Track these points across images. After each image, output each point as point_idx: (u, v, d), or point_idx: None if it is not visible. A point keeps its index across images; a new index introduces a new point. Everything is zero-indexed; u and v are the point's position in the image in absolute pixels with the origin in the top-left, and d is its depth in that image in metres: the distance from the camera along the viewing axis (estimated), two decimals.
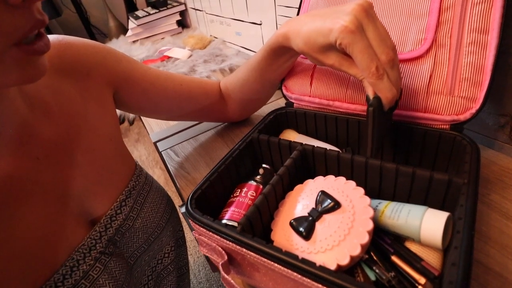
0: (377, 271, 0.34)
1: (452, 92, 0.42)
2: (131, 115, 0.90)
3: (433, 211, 0.35)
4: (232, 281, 0.36)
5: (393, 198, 0.41)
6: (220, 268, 0.38)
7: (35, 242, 0.37)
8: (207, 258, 0.97)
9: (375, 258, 0.35)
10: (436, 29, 0.43)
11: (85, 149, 0.45)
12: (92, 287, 0.42)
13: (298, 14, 0.57)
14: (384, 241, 0.37)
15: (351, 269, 0.35)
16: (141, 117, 0.87)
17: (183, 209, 0.79)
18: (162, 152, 0.69)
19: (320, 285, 0.30)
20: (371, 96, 0.38)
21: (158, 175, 1.80)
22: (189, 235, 1.49)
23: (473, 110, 0.41)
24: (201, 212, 0.39)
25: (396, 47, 0.46)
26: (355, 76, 0.40)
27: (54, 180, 0.40)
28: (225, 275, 0.37)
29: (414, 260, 0.34)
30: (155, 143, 0.73)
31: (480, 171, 0.47)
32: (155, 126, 0.80)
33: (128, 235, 0.50)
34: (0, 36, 0.26)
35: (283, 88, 0.57)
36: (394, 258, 0.35)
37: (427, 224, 0.34)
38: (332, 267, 0.32)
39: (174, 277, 0.61)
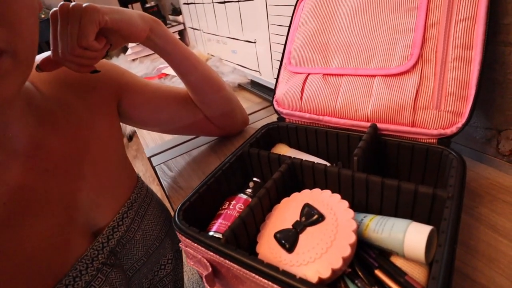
0: (359, 285, 0.33)
1: (439, 107, 0.43)
2: (130, 131, 0.91)
3: (417, 225, 0.35)
4: None
5: (380, 211, 0.41)
6: (204, 280, 0.37)
7: (42, 252, 0.38)
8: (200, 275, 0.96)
9: (358, 272, 0.34)
10: (422, 45, 0.44)
11: (91, 161, 0.46)
12: None
13: (288, 31, 0.58)
14: (369, 255, 0.37)
15: (334, 283, 0.35)
16: (137, 133, 0.88)
17: None
18: (156, 167, 0.70)
19: None
20: None
21: (155, 191, 1.78)
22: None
23: (459, 124, 0.41)
24: (188, 224, 0.39)
25: (384, 62, 0.47)
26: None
27: (61, 191, 0.41)
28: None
29: (397, 275, 0.34)
30: (149, 158, 0.73)
31: (469, 185, 0.47)
32: (150, 142, 0.81)
33: (129, 246, 0.50)
34: None
35: (274, 103, 0.58)
36: (377, 272, 0.35)
37: (410, 237, 0.34)
38: (314, 280, 0.32)
39: None
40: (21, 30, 0.31)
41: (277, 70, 0.60)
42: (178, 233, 0.40)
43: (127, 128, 0.93)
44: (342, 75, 0.50)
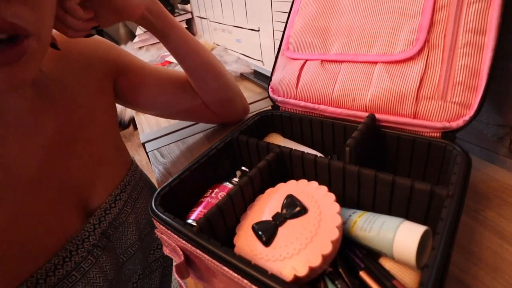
0: (339, 286, 0.30)
1: (444, 97, 0.39)
2: (129, 116, 0.89)
3: (410, 224, 0.31)
4: (184, 286, 0.33)
5: (373, 209, 0.38)
6: (174, 269, 0.35)
7: (33, 229, 0.38)
8: None
9: (340, 271, 0.31)
10: (429, 29, 0.40)
11: (86, 139, 0.45)
12: (82, 280, 0.42)
13: (288, 15, 0.55)
14: (355, 255, 0.34)
15: (314, 283, 0.31)
16: (135, 119, 0.86)
17: None
18: (148, 153, 0.67)
19: None
20: None
21: (154, 180, 1.78)
22: None
23: (467, 117, 0.37)
24: (166, 210, 0.37)
25: (386, 48, 0.43)
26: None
27: (56, 169, 0.41)
28: (178, 278, 0.34)
29: (384, 278, 0.30)
30: (143, 144, 0.71)
31: (477, 186, 0.43)
32: (146, 127, 0.79)
33: (121, 229, 0.49)
34: None
35: (269, 90, 0.55)
36: (362, 274, 0.31)
37: (400, 237, 0.30)
38: (289, 277, 0.29)
39: (158, 277, 0.60)
40: (44, 12, 0.31)
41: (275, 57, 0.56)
42: (153, 219, 0.38)
43: (127, 113, 0.91)
44: (342, 61, 0.46)
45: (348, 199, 0.39)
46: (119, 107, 0.90)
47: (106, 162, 0.48)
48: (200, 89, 0.60)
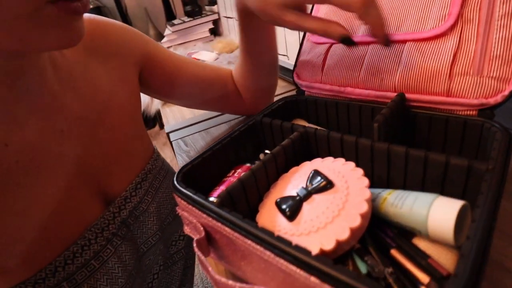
0: (369, 262, 0.28)
1: (481, 72, 0.36)
2: (155, 110, 0.91)
3: (445, 199, 0.29)
4: (206, 262, 0.32)
5: (404, 189, 0.36)
6: (195, 244, 0.34)
7: (52, 215, 0.37)
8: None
9: (369, 248, 0.29)
10: (463, 3, 0.38)
11: (108, 126, 0.45)
12: (101, 269, 0.41)
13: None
14: (386, 235, 0.32)
15: (342, 261, 0.30)
16: (161, 111, 0.88)
17: None
18: (172, 142, 0.68)
19: (294, 267, 0.25)
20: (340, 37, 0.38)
21: None
22: None
23: (506, 92, 0.35)
24: (186, 187, 0.36)
25: (416, 25, 0.41)
26: (318, 31, 0.38)
27: (76, 155, 0.40)
28: (200, 255, 0.33)
29: (418, 256, 0.28)
30: (168, 133, 0.72)
31: None
32: (172, 119, 0.80)
33: (142, 219, 0.49)
34: None
35: (294, 75, 0.54)
36: (393, 252, 0.29)
37: (436, 212, 0.28)
38: (314, 252, 0.28)
39: (180, 268, 0.59)
40: None
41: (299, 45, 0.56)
42: (175, 195, 0.37)
43: (153, 107, 0.93)
44: (369, 42, 0.45)
45: (377, 179, 0.37)
46: (145, 101, 0.92)
47: (127, 150, 0.48)
48: (253, 76, 0.60)
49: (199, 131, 0.70)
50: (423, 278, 0.27)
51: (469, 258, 0.22)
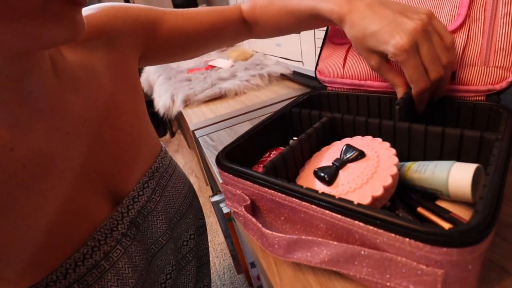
0: (400, 215, 0.33)
1: (487, 63, 0.42)
2: (178, 110, 0.96)
3: (462, 163, 0.34)
4: (254, 220, 0.37)
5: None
6: (243, 209, 0.39)
7: (61, 217, 0.37)
8: (233, 257, 0.97)
9: (398, 202, 0.34)
10: (470, 5, 0.44)
11: (112, 125, 0.44)
12: (111, 270, 0.41)
13: None
14: (411, 198, 0.37)
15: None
16: (183, 112, 0.93)
17: (214, 198, 0.81)
18: (199, 138, 0.73)
19: (340, 216, 0.30)
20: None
21: (192, 182, 1.86)
22: (213, 231, 1.48)
23: (510, 79, 0.40)
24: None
25: None
26: (390, 82, 0.43)
27: (82, 156, 0.40)
28: (247, 214, 0.38)
29: (441, 212, 0.33)
30: (193, 131, 0.77)
31: None
32: (194, 119, 0.85)
33: (151, 218, 0.49)
34: None
35: (317, 73, 0.60)
36: (420, 210, 0.34)
37: (455, 174, 0.33)
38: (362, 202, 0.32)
39: (194, 267, 0.61)
40: None
41: (320, 47, 0.62)
42: (220, 170, 0.42)
43: (175, 108, 0.98)
44: None
45: (400, 156, 0.42)
46: (166, 104, 0.98)
47: (133, 149, 0.47)
48: (284, 33, 0.60)
49: (223, 128, 0.75)
50: (447, 226, 0.31)
51: (488, 197, 0.27)
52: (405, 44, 0.37)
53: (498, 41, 0.41)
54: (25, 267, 0.35)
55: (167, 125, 2.63)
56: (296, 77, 0.98)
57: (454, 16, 0.45)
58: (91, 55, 0.44)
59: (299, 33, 0.60)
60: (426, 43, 0.38)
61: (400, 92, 0.43)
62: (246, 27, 0.62)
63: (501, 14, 0.42)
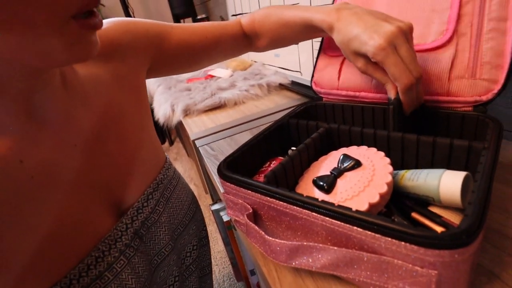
0: (396, 220, 0.35)
1: (474, 75, 0.45)
2: (178, 119, 0.98)
3: (452, 171, 0.36)
4: (257, 228, 0.38)
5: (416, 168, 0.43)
6: (246, 218, 0.40)
7: (66, 229, 0.37)
8: (233, 265, 0.98)
9: (393, 208, 0.36)
10: (458, 20, 0.47)
11: (119, 138, 0.45)
12: (115, 280, 0.41)
13: None
14: (405, 204, 0.39)
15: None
16: (183, 121, 0.95)
17: (214, 207, 0.83)
18: (199, 148, 0.75)
19: (339, 222, 0.32)
20: (392, 98, 0.43)
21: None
22: (212, 239, 1.48)
23: (495, 91, 0.43)
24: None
25: (420, 39, 0.50)
26: (379, 80, 0.45)
27: (88, 168, 0.41)
28: (250, 222, 0.39)
29: (434, 217, 0.35)
30: (193, 141, 0.79)
31: (508, 158, 0.47)
32: (195, 128, 0.87)
33: (154, 229, 0.49)
34: (60, 6, 0.27)
35: (312, 84, 0.62)
36: (414, 215, 0.36)
37: (445, 181, 0.35)
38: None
39: (196, 277, 0.61)
40: None
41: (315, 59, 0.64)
42: (221, 180, 0.44)
43: (175, 118, 1.00)
44: None
45: (394, 164, 0.44)
46: (166, 113, 1.00)
47: (138, 161, 0.48)
48: (284, 45, 0.63)
49: (223, 138, 0.77)
50: (440, 229, 0.33)
51: (476, 202, 0.29)
52: (383, 43, 0.40)
53: (484, 55, 0.44)
54: (30, 278, 0.35)
55: (165, 133, 2.65)
56: (295, 87, 1.01)
57: (443, 31, 0.48)
58: (101, 68, 0.45)
59: (297, 43, 0.63)
60: (405, 44, 0.41)
61: (390, 89, 0.44)
62: (247, 40, 0.64)
63: (486, 30, 0.44)
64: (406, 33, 0.41)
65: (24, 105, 0.34)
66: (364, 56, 0.44)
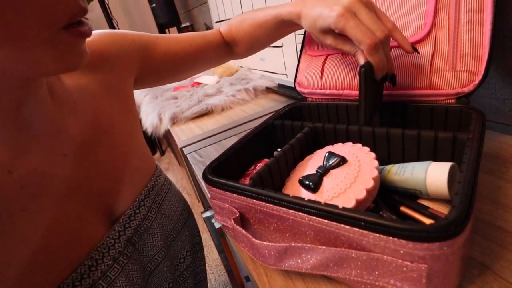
0: (384, 215, 0.34)
1: (454, 68, 0.45)
2: (165, 128, 0.97)
3: (437, 163, 0.36)
4: (244, 231, 0.37)
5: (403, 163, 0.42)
6: (232, 222, 0.39)
7: (58, 238, 0.37)
8: (228, 272, 0.96)
9: (381, 203, 0.36)
10: (435, 14, 0.47)
11: (109, 146, 0.45)
12: None
13: None
14: (393, 198, 0.38)
15: None
16: (170, 130, 0.94)
17: (205, 214, 0.82)
18: (187, 155, 0.74)
19: (326, 221, 0.31)
20: (362, 63, 0.42)
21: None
22: (207, 247, 1.46)
23: (476, 82, 0.43)
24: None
25: None
26: (348, 52, 0.44)
27: (79, 177, 0.41)
28: (237, 226, 0.38)
29: (422, 209, 0.35)
30: (181, 148, 0.78)
31: (499, 153, 0.47)
32: (182, 136, 0.86)
33: (146, 236, 0.49)
34: (52, 18, 0.27)
35: (296, 85, 0.62)
36: (402, 208, 0.36)
37: (431, 173, 0.35)
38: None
39: (191, 284, 0.61)
40: None
41: (297, 60, 0.64)
42: (207, 186, 0.43)
43: (162, 126, 0.99)
44: None
45: (380, 160, 0.44)
46: (153, 123, 0.98)
47: (129, 168, 0.48)
48: (262, 46, 0.65)
49: (211, 144, 0.76)
50: (429, 221, 0.33)
51: (463, 192, 0.28)
52: (341, 11, 0.41)
53: (463, 47, 0.44)
54: None
55: (156, 144, 2.62)
56: (281, 89, 1.01)
57: (421, 26, 0.48)
58: (89, 78, 0.46)
59: (274, 42, 0.64)
60: (364, 9, 0.41)
61: (359, 56, 0.43)
62: (227, 47, 0.66)
63: (464, 22, 0.45)
64: (365, 1, 0.42)
65: (12, 115, 0.33)
66: (331, 32, 0.45)
